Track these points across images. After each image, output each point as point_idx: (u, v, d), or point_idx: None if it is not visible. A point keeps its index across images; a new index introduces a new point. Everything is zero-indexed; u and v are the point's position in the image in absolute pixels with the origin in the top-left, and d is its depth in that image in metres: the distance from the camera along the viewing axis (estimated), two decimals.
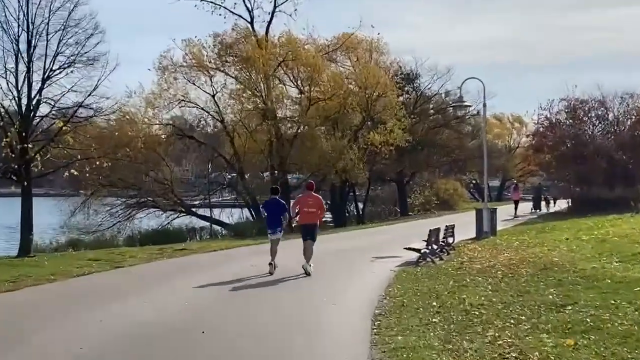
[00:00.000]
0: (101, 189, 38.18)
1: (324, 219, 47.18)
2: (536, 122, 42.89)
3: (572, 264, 16.02)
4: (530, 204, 48.39)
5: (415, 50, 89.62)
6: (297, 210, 18.10)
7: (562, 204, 46.44)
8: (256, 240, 29.29)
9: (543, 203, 47.86)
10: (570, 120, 40.50)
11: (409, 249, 18.95)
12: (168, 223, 40.15)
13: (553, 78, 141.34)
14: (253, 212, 40.44)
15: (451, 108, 55.78)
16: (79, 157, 28.88)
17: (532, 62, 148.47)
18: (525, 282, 13.94)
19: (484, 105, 28.02)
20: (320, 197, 19.31)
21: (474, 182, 75.84)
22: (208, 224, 41.38)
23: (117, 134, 35.14)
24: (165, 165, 40.01)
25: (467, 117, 56.67)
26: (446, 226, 21.41)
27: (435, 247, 19.34)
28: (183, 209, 40.77)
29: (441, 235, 20.36)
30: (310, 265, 17.02)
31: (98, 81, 27.76)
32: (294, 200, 20.00)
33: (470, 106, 30.74)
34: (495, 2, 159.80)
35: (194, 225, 41.14)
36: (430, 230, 19.07)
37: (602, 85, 50.15)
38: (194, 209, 42.19)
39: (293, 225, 19.34)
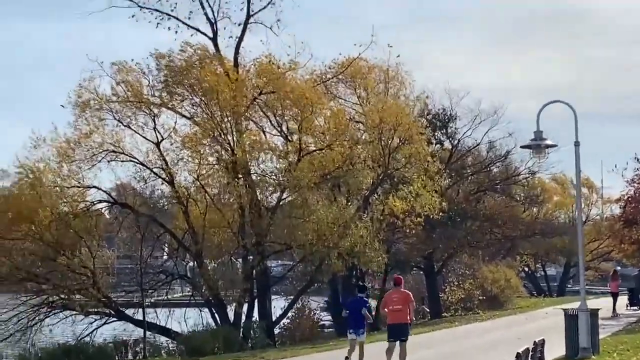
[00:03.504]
0: None
1: (323, 323, 44.13)
2: (629, 181, 38.21)
3: None
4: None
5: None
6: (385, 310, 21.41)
7: None
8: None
9: None
10: None
11: None
12: (90, 333, 35.69)
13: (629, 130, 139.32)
14: (217, 316, 36.24)
15: (496, 165, 53.06)
16: None
17: (599, 111, 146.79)
18: None
19: (577, 145, 22.10)
20: (408, 292, 22.22)
21: (526, 269, 71.60)
22: (149, 333, 36.87)
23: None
24: (85, 247, 35.61)
25: (520, 177, 53.91)
26: (534, 343, 17.52)
27: None
28: (112, 311, 36.32)
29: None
30: None
31: None
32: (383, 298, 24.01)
33: (554, 146, 25.32)
34: (553, 35, 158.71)
35: (128, 337, 37.15)
36: (518, 353, 15.25)
37: None
38: (130, 311, 37.66)
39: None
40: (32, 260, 34.91)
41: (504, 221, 52.39)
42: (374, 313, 29.69)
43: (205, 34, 37.53)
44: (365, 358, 21.20)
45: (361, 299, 22.29)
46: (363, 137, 39.32)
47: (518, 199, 57.04)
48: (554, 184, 67.71)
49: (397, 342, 20.35)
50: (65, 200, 35.28)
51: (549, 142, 22.89)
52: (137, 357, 34.46)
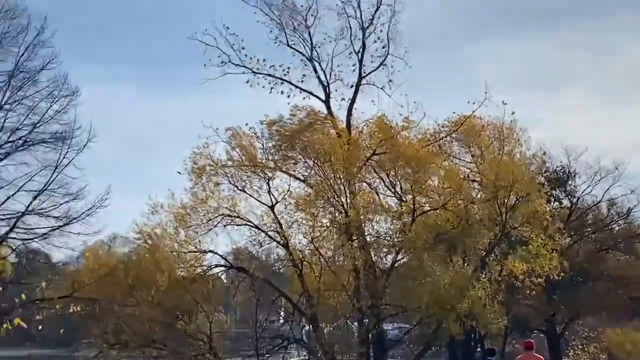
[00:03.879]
0: (108, 348, 35.15)
1: None
2: None
3: None
4: None
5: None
6: None
7: None
8: None
9: None
10: None
11: None
12: None
13: None
14: None
15: (617, 223, 51.53)
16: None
17: None
18: None
19: None
20: (542, 357, 23.66)
21: None
22: None
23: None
24: (202, 312, 35.81)
25: None
26: None
27: None
28: None
29: None
30: None
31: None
32: None
33: None
34: None
35: None
36: None
37: None
38: None
39: None
40: (151, 326, 34.88)
41: (629, 281, 49.68)
42: None
43: (318, 97, 38.11)
44: None
45: None
46: (478, 196, 38.56)
47: None
48: None
49: None
50: (182, 265, 35.51)
51: None
52: None
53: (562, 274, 37.68)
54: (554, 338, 47.38)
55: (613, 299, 49.61)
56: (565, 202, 47.46)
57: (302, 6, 38.63)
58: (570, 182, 47.90)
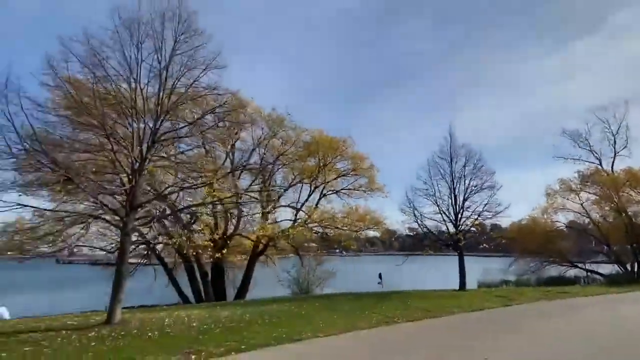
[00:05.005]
0: (519, 255, 36.08)
1: None
2: None
3: None
4: None
5: None
6: None
7: None
8: (623, 288, 23.05)
9: None
10: None
11: None
12: (563, 272, 35.71)
13: None
14: (620, 268, 33.88)
15: None
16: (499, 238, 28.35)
17: None
18: None
19: None
20: None
21: None
22: (588, 274, 35.17)
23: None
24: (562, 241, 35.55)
25: None
26: None
27: None
28: (572, 265, 36.10)
29: None
30: None
31: (489, 198, 23.83)
32: None
33: None
34: None
35: (577, 275, 35.30)
36: None
37: None
38: (579, 265, 36.14)
39: None
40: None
41: None
42: None
43: (593, 162, 36.04)
44: None
45: None
46: None
47: None
48: None
49: None
50: (548, 229, 35.21)
51: None
52: (584, 284, 32.45)
53: None
54: None
55: None
56: None
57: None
58: None
